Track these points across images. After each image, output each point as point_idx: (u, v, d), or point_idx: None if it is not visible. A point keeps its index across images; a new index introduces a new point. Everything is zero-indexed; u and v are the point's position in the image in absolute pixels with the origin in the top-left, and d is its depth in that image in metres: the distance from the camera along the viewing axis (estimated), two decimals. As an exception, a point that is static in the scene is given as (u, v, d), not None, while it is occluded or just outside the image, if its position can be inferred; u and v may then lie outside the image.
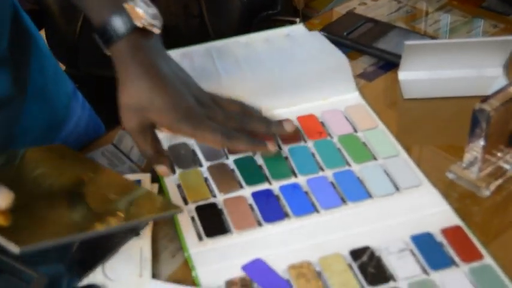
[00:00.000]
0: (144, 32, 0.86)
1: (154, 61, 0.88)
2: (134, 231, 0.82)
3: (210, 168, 0.93)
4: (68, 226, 0.75)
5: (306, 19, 1.26)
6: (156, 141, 0.90)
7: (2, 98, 0.92)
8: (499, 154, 0.92)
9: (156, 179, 0.92)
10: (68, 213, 0.80)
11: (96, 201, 0.82)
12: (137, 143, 0.89)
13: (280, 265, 0.79)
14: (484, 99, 0.86)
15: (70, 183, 0.85)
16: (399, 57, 1.09)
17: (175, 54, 1.10)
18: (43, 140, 1.02)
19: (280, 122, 0.93)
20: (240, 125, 0.90)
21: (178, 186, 0.91)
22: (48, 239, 0.69)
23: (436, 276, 0.77)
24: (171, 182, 0.92)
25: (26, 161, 0.88)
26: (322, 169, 0.93)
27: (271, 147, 0.90)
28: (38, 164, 0.88)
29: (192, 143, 0.98)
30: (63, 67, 1.61)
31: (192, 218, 0.86)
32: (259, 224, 0.85)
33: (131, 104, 0.86)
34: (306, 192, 0.89)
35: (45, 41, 1.46)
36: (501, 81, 1.04)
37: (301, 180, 0.91)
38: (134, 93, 0.86)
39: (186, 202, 0.88)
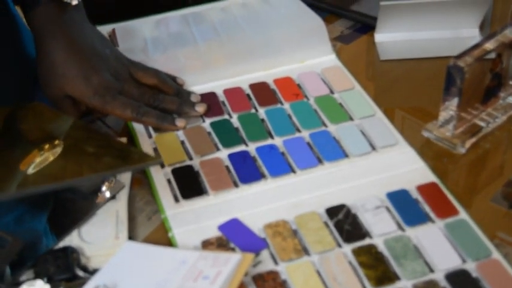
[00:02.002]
0: (61, 3, 0.87)
1: (70, 34, 0.89)
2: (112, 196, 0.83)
3: (186, 131, 0.93)
4: (43, 176, 0.77)
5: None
6: (76, 109, 0.92)
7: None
8: (474, 112, 0.92)
9: (132, 143, 0.92)
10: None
11: (73, 154, 0.81)
12: (60, 110, 0.91)
13: (256, 224, 0.79)
14: (459, 55, 0.86)
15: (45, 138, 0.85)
16: (375, 19, 1.09)
17: (150, 21, 1.10)
18: (24, 97, 1.03)
19: (192, 104, 0.95)
20: (152, 103, 0.92)
21: (155, 149, 0.91)
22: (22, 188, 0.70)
23: (412, 232, 0.77)
24: (147, 145, 0.91)
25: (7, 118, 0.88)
26: (298, 130, 0.93)
27: (180, 123, 0.92)
28: (19, 121, 0.89)
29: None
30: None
31: (168, 181, 0.86)
32: (236, 185, 0.85)
33: (47, 76, 0.88)
34: (283, 153, 0.89)
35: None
36: (477, 41, 1.04)
37: (277, 141, 0.91)
38: (49, 66, 0.87)
39: (162, 165, 0.88)
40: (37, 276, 0.74)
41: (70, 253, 0.76)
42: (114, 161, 0.82)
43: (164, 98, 0.93)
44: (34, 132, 0.86)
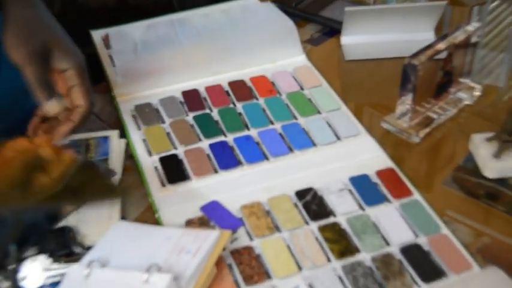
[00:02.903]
0: None
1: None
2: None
3: (171, 124, 0.94)
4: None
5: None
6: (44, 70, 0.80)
7: None
8: (427, 105, 0.94)
9: (123, 134, 0.93)
10: None
11: None
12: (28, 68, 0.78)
13: (234, 206, 0.80)
14: (413, 55, 0.87)
15: None
16: (341, 24, 1.09)
17: (141, 25, 1.10)
18: (20, 102, 0.94)
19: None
20: None
21: (144, 140, 0.92)
22: None
23: (371, 211, 0.79)
24: (136, 136, 0.92)
25: None
26: (272, 122, 0.94)
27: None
28: None
29: (156, 102, 0.98)
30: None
31: (156, 168, 0.87)
32: (216, 171, 0.86)
33: (24, 30, 0.81)
34: (257, 143, 0.90)
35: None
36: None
37: (253, 132, 0.92)
38: (31, 19, 0.82)
39: (150, 154, 0.89)
40: (40, 252, 0.74)
41: (68, 232, 0.77)
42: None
43: None
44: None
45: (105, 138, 0.93)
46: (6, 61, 0.80)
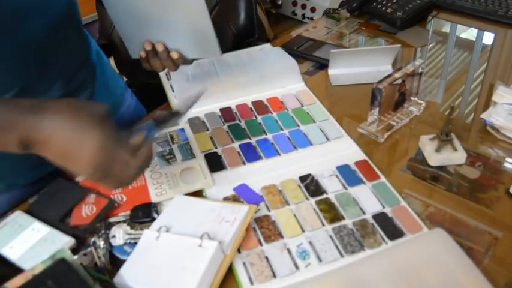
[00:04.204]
0: None
1: None
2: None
3: (213, 131, 0.92)
4: None
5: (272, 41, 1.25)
6: None
7: (84, 85, 0.89)
8: (388, 116, 0.91)
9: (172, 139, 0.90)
10: None
11: None
12: None
13: (257, 187, 0.79)
14: (379, 82, 0.85)
15: None
16: (328, 61, 1.08)
17: (194, 64, 1.09)
18: None
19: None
20: None
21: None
22: None
23: (351, 190, 0.77)
24: (192, 139, 0.90)
25: None
26: (282, 129, 0.92)
27: None
28: None
29: (202, 116, 0.96)
30: (125, 78, 1.60)
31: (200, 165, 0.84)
32: (243, 163, 0.84)
33: None
34: (272, 143, 0.88)
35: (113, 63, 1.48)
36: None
37: (269, 136, 0.90)
38: None
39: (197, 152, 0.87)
40: (131, 219, 0.73)
41: (153, 206, 0.75)
42: None
43: None
44: None
45: (182, 129, 0.92)
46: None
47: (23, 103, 0.56)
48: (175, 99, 0.99)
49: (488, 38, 1.23)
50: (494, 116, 0.87)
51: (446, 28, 1.30)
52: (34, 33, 0.72)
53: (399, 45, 1.05)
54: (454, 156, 0.81)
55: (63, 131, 0.55)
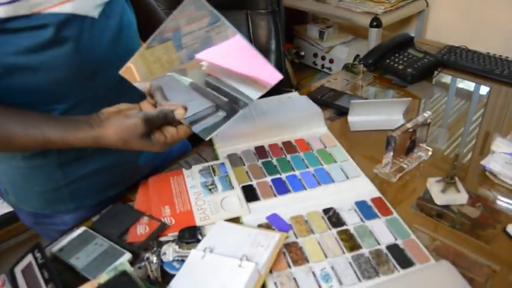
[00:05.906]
0: None
1: None
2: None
3: (248, 166, 0.95)
4: None
5: (298, 89, 1.28)
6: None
7: None
8: (400, 159, 0.94)
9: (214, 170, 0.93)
10: None
11: None
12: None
13: (286, 216, 0.81)
14: (393, 130, 0.88)
15: None
16: (348, 109, 1.10)
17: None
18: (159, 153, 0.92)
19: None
20: None
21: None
22: None
23: (368, 223, 0.79)
24: (230, 172, 0.92)
25: None
26: (307, 167, 0.94)
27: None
28: None
29: (239, 153, 0.99)
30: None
31: (237, 195, 0.87)
32: (275, 195, 0.86)
33: None
34: (299, 179, 0.90)
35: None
36: (401, 122, 1.06)
37: (297, 173, 0.92)
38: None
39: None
40: (179, 239, 0.75)
41: (197, 229, 0.78)
42: None
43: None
44: None
45: (223, 163, 0.95)
46: None
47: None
48: (216, 138, 1.02)
49: (483, 89, 1.26)
50: (492, 163, 0.89)
51: (446, 79, 1.32)
52: (112, 79, 0.75)
53: (410, 99, 1.08)
54: (457, 197, 0.83)
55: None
